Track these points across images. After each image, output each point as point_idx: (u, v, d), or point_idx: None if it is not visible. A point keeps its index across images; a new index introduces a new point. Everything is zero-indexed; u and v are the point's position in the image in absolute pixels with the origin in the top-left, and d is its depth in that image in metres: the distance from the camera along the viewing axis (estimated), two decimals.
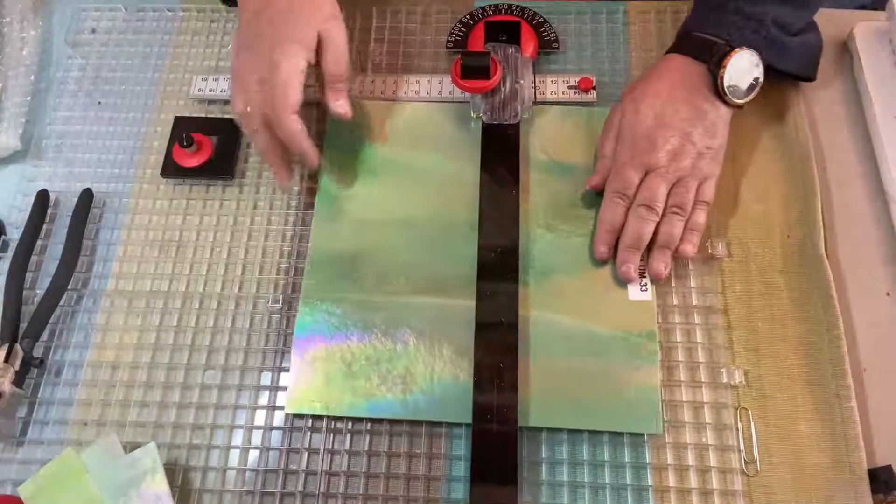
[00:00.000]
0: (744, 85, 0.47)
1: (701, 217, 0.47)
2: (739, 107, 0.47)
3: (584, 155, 0.51)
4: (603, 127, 0.50)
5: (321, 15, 0.47)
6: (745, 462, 0.42)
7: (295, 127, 0.46)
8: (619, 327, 0.45)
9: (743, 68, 0.46)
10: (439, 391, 0.44)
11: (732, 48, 0.46)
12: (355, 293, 0.47)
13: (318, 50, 0.47)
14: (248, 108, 0.46)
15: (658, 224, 0.46)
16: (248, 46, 0.47)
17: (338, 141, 0.53)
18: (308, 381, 0.45)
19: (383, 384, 0.45)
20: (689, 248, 0.46)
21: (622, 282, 0.47)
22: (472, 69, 0.49)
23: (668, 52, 0.50)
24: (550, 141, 0.52)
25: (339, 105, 0.48)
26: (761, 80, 0.47)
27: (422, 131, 0.53)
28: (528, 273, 0.47)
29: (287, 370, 0.46)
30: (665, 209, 0.46)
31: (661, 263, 0.46)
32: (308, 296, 0.48)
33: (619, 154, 0.48)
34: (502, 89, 0.51)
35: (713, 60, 0.46)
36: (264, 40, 0.46)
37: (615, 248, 0.47)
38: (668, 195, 0.46)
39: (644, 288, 0.47)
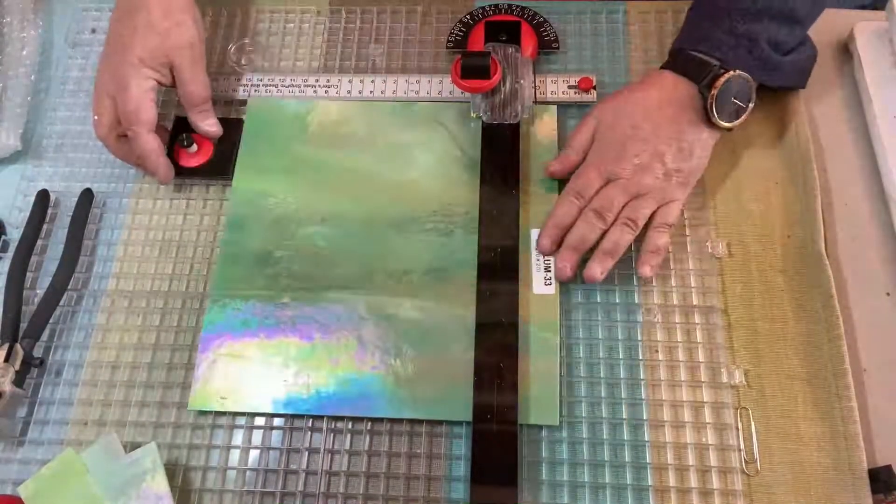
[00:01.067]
0: (732, 108, 0.46)
1: (661, 239, 0.46)
2: (728, 129, 0.47)
3: None
4: (581, 120, 0.50)
5: (173, 42, 0.49)
6: (745, 462, 0.42)
7: (150, 146, 0.49)
8: (524, 320, 0.46)
9: (734, 90, 0.46)
10: (345, 385, 0.45)
11: (725, 70, 0.45)
12: (264, 290, 0.48)
13: (173, 74, 0.50)
14: (96, 118, 0.49)
15: (606, 231, 0.46)
16: (106, 55, 0.49)
17: (253, 141, 0.53)
18: (214, 377, 0.46)
19: (289, 379, 0.45)
20: (647, 270, 0.46)
21: (530, 276, 0.47)
22: (473, 69, 0.49)
23: (661, 68, 0.49)
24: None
25: (209, 125, 0.51)
26: (752, 105, 0.46)
27: (342, 129, 0.53)
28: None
29: None
30: (616, 219, 0.46)
31: (599, 268, 0.46)
32: (216, 293, 0.48)
33: (589, 155, 0.48)
34: (502, 89, 0.51)
35: (704, 82, 0.46)
36: (117, 54, 0.48)
37: (559, 245, 0.47)
38: (624, 207, 0.46)
39: (548, 282, 0.47)
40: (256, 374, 0.46)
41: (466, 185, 0.50)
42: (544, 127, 0.52)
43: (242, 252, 0.49)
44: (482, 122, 0.51)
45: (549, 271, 0.47)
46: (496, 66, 0.49)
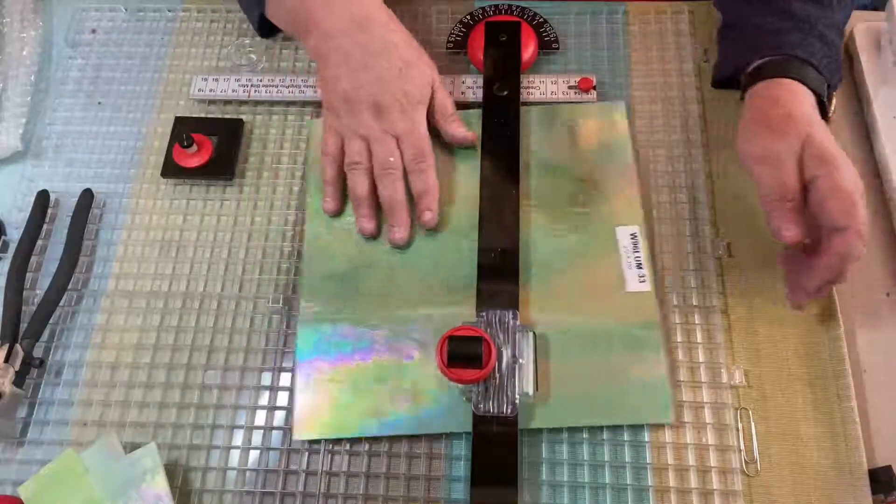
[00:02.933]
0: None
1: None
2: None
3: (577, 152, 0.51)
4: (749, 165, 0.44)
5: (427, 63, 0.50)
6: (746, 462, 0.42)
7: (436, 180, 0.48)
8: (619, 320, 0.45)
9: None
10: (448, 401, 0.44)
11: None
12: (354, 312, 0.47)
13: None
14: (392, 159, 0.47)
15: None
16: (367, 101, 0.47)
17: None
18: (315, 404, 0.45)
19: (392, 401, 0.44)
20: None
21: (621, 275, 0.46)
22: (461, 356, 0.41)
23: (745, 90, 0.47)
24: (545, 139, 0.52)
25: (462, 132, 0.50)
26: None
27: None
28: (527, 273, 0.47)
29: (288, 370, 0.46)
30: None
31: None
32: (306, 319, 0.47)
33: (838, 181, 0.40)
34: (497, 376, 0.43)
35: (833, 81, 0.46)
36: (388, 96, 0.47)
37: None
38: None
39: (643, 279, 0.46)
40: (359, 397, 0.44)
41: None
42: (615, 128, 0.52)
43: (325, 274, 0.48)
44: (472, 413, 0.43)
45: (642, 268, 0.47)
46: (490, 349, 0.42)
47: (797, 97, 0.44)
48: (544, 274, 0.47)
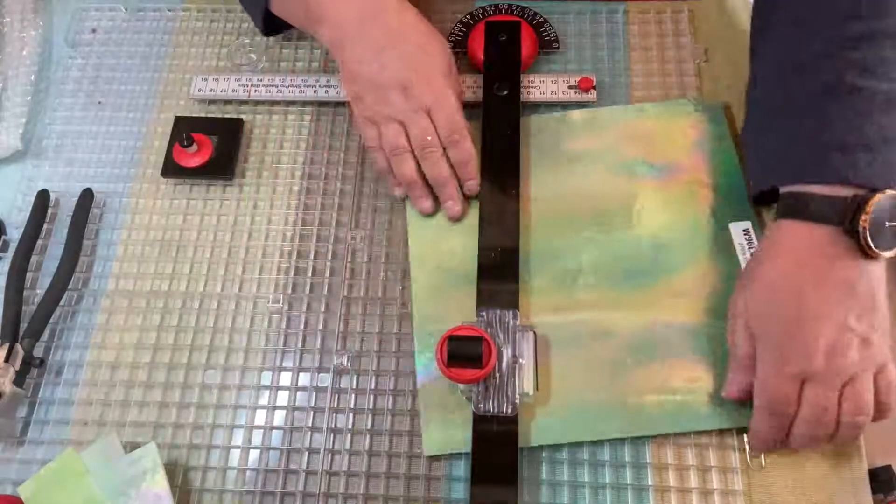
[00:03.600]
0: (890, 232, 0.38)
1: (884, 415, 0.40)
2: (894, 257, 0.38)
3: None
4: (727, 316, 0.43)
5: (447, 47, 0.49)
6: (751, 457, 0.42)
7: (472, 148, 0.48)
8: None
9: (887, 214, 0.38)
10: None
11: (866, 196, 0.38)
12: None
13: None
14: (430, 137, 0.47)
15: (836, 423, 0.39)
16: (393, 81, 0.47)
17: None
18: (442, 418, 0.44)
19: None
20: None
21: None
22: (461, 356, 0.41)
23: (776, 219, 0.42)
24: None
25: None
26: None
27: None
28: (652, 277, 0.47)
29: (288, 370, 0.46)
30: (839, 417, 0.39)
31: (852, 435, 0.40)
32: (422, 337, 0.46)
33: (762, 359, 0.40)
34: (497, 375, 0.43)
35: (847, 222, 0.38)
36: (414, 73, 0.47)
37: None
38: (840, 402, 0.39)
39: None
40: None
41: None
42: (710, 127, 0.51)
43: (439, 287, 0.47)
44: (472, 412, 0.43)
45: None
46: (490, 349, 0.42)
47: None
48: (666, 277, 0.47)
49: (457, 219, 0.49)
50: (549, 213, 0.49)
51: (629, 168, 0.50)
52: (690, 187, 0.49)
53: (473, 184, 0.48)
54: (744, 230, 0.48)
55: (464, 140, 0.48)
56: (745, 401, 0.42)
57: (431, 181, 0.48)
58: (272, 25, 0.54)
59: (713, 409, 0.43)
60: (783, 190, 0.42)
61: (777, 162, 0.43)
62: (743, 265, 0.46)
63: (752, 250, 0.47)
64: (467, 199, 0.50)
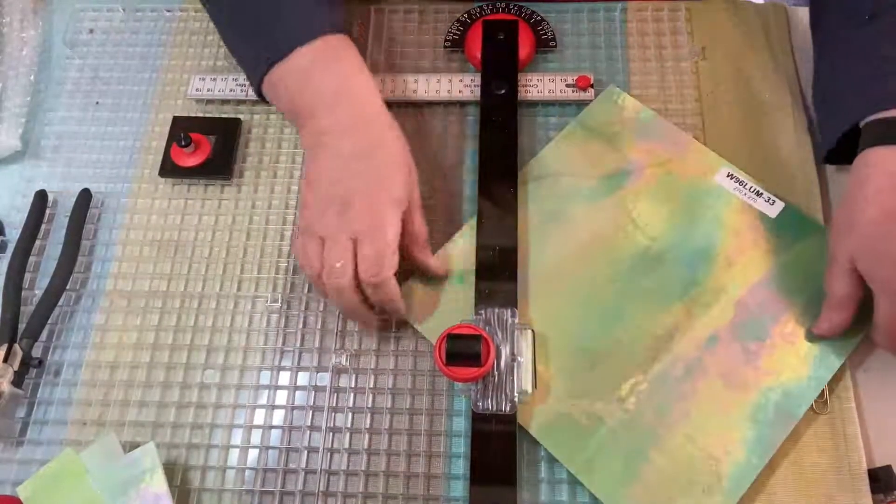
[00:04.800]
0: None
1: None
2: None
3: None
4: (828, 272, 0.43)
5: (414, 179, 0.45)
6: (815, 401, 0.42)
7: (397, 290, 0.44)
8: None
9: None
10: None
11: None
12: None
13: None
14: (338, 265, 0.42)
15: None
16: (338, 196, 0.43)
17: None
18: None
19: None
20: None
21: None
22: (460, 354, 0.41)
23: (862, 149, 0.42)
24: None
25: (432, 261, 0.47)
26: None
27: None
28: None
29: (287, 369, 0.47)
30: None
31: None
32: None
33: (884, 299, 0.40)
34: (496, 374, 0.43)
35: None
36: (367, 192, 0.43)
37: None
38: None
39: (770, 201, 0.48)
40: None
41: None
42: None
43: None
44: (472, 411, 0.43)
45: (762, 194, 0.48)
46: (489, 347, 0.42)
47: None
48: (705, 265, 0.47)
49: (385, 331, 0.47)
50: (563, 286, 0.47)
51: (602, 189, 0.50)
52: (658, 172, 0.50)
53: (398, 315, 0.46)
54: (727, 175, 0.49)
55: (383, 283, 0.42)
56: (825, 337, 0.43)
57: (341, 311, 0.47)
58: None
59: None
60: (866, 122, 0.42)
61: (856, 97, 0.44)
62: (746, 205, 0.47)
63: (747, 188, 0.48)
64: None
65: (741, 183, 0.48)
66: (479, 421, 0.42)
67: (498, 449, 0.42)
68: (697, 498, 0.41)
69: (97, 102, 0.57)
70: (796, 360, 0.44)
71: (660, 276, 0.47)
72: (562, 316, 0.46)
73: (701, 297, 0.46)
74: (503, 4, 0.57)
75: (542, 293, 0.47)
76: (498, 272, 0.46)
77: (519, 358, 0.43)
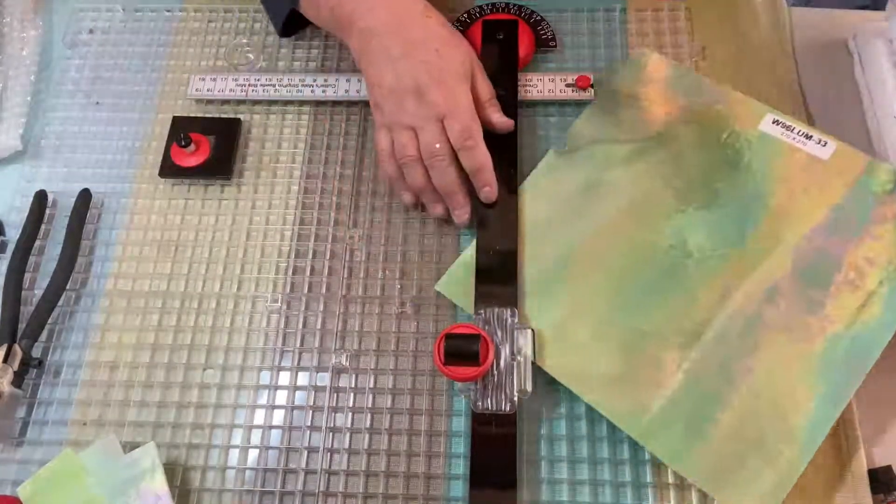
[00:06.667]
0: None
1: None
2: None
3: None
4: None
5: (465, 47, 0.49)
6: None
7: (487, 155, 0.47)
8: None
9: None
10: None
11: None
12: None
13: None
14: (438, 146, 0.46)
15: None
16: (409, 88, 0.46)
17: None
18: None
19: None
20: None
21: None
22: (459, 354, 0.41)
23: None
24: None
25: (499, 117, 0.50)
26: None
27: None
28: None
29: (287, 369, 0.47)
30: None
31: None
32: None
33: None
34: (495, 373, 0.43)
35: None
36: (428, 79, 0.46)
37: None
38: None
39: (821, 143, 0.47)
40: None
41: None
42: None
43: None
44: (472, 410, 0.43)
45: (811, 137, 0.47)
46: (488, 347, 0.42)
47: None
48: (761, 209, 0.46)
49: (465, 226, 0.49)
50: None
51: (640, 152, 0.49)
52: (697, 128, 0.49)
53: (488, 191, 0.48)
54: (773, 122, 0.48)
55: (476, 147, 0.47)
56: None
57: (440, 190, 0.48)
58: (291, 26, 0.55)
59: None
60: None
61: None
62: (796, 150, 0.46)
63: (796, 132, 0.47)
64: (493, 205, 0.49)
65: (788, 128, 0.47)
66: (479, 421, 0.42)
67: (498, 449, 0.42)
68: (770, 454, 0.40)
69: (97, 102, 0.57)
70: (862, 305, 0.42)
71: (709, 234, 0.45)
72: (608, 283, 0.45)
73: (755, 250, 0.44)
74: (503, 4, 0.57)
75: (583, 266, 0.46)
76: (498, 272, 0.46)
77: (518, 357, 0.43)
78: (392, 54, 0.47)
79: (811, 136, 0.47)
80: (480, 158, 0.47)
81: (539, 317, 0.45)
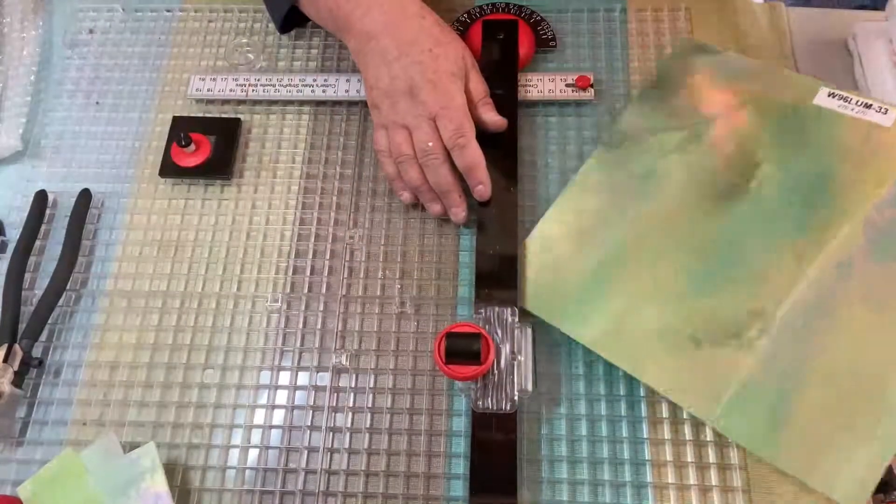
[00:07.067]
0: None
1: None
2: None
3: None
4: None
5: (459, 46, 0.49)
6: None
7: (480, 154, 0.47)
8: None
9: None
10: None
11: None
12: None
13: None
14: (431, 144, 0.47)
15: None
16: (403, 89, 0.47)
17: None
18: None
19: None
20: None
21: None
22: (459, 353, 0.41)
23: None
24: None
25: (493, 116, 0.50)
26: None
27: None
28: None
29: (287, 369, 0.47)
30: None
31: None
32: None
33: None
34: (496, 372, 0.43)
35: None
36: (421, 79, 0.47)
37: None
38: None
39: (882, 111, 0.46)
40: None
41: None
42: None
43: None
44: (472, 410, 0.43)
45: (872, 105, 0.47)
46: (488, 346, 0.42)
47: None
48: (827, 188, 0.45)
49: (462, 224, 0.49)
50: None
51: (693, 139, 0.49)
52: (750, 109, 0.48)
53: (482, 189, 0.48)
54: (829, 95, 0.47)
55: (467, 145, 0.47)
56: None
57: (435, 188, 0.48)
58: (290, 23, 0.55)
59: None
60: None
61: None
62: (856, 120, 0.46)
63: (853, 102, 0.46)
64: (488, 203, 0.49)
65: (845, 99, 0.46)
66: (479, 420, 0.42)
67: (498, 448, 0.42)
68: (861, 431, 0.39)
69: (97, 102, 0.57)
70: None
71: (775, 212, 0.45)
72: (672, 270, 0.45)
73: (825, 224, 0.44)
74: (503, 4, 0.57)
75: (645, 255, 0.45)
76: (499, 272, 0.46)
77: (519, 356, 0.43)
78: (387, 56, 0.48)
79: (870, 105, 0.46)
80: (472, 157, 0.47)
81: (600, 309, 0.44)
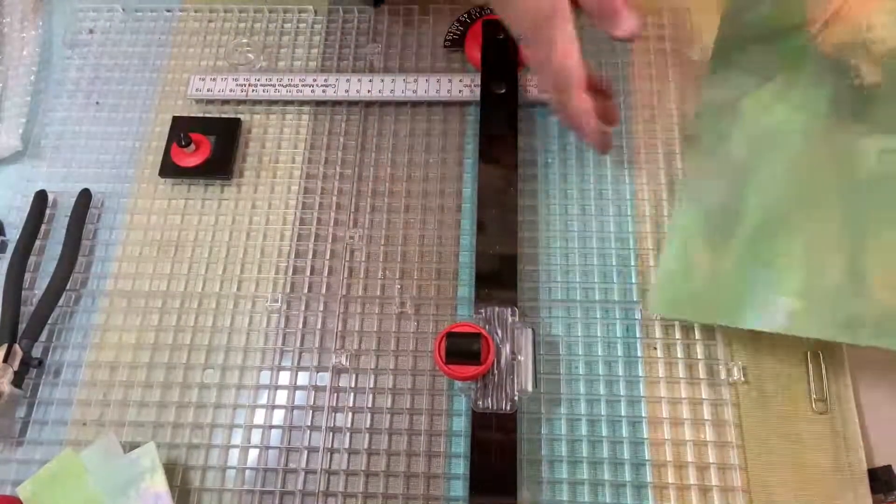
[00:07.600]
0: None
1: None
2: None
3: None
4: None
5: None
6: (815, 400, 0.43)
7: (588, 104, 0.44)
8: None
9: None
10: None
11: None
12: None
13: None
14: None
15: None
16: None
17: None
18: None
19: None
20: None
21: None
22: (459, 353, 0.41)
23: None
24: None
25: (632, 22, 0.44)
26: None
27: None
28: None
29: (287, 369, 0.47)
30: None
31: None
32: None
33: None
34: (496, 372, 0.43)
35: None
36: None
37: None
38: None
39: None
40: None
41: None
42: None
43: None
44: (472, 410, 0.43)
45: None
46: (488, 346, 0.42)
47: None
48: None
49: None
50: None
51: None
52: (827, 32, 0.44)
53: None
54: None
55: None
56: None
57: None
58: None
59: None
60: None
61: None
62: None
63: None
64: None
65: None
66: (479, 420, 0.42)
67: (498, 448, 0.42)
68: None
69: (97, 102, 0.57)
70: None
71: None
72: (830, 225, 0.41)
73: None
74: None
75: (795, 219, 0.42)
76: (499, 272, 0.46)
77: (519, 356, 0.43)
78: None
79: None
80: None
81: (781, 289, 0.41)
